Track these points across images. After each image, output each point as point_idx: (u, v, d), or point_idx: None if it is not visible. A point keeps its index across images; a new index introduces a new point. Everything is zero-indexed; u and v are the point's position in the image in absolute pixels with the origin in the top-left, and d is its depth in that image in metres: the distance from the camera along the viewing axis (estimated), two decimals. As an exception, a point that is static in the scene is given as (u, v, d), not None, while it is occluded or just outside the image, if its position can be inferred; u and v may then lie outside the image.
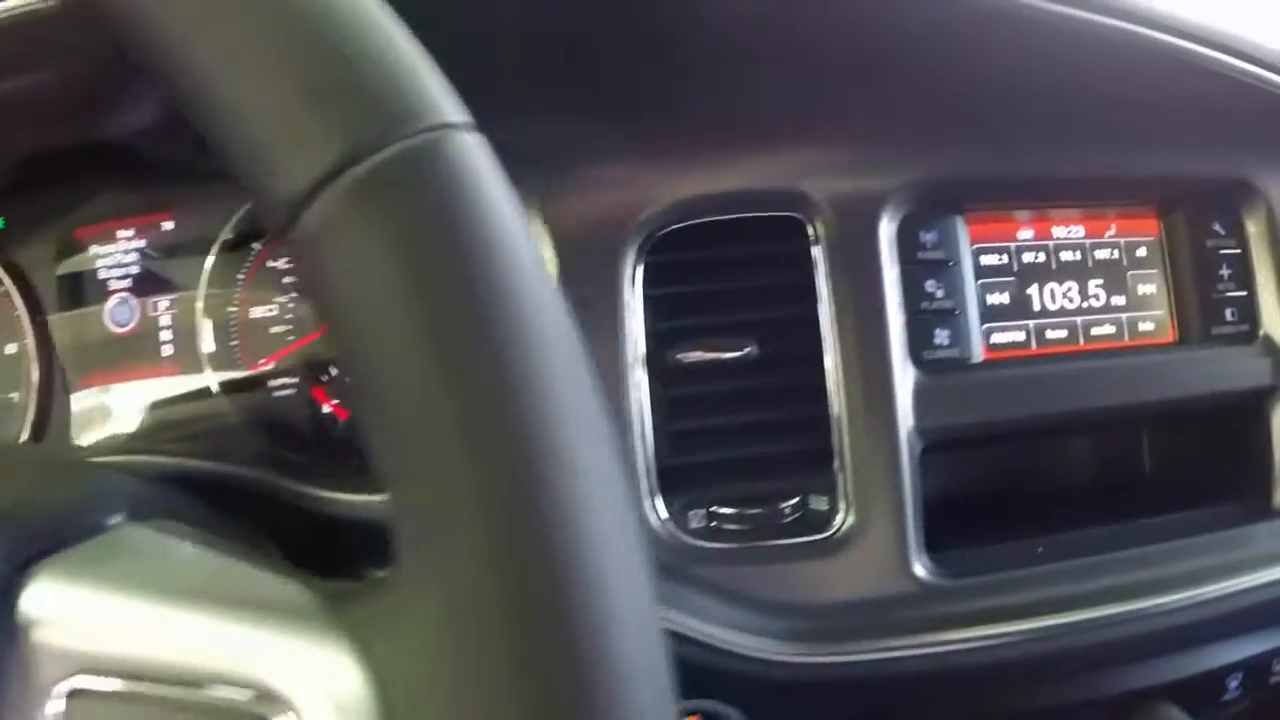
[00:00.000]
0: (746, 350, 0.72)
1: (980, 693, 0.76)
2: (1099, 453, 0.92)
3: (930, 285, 0.77)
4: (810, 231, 0.74)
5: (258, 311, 0.78)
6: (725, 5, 0.65)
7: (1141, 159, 0.82)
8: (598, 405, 0.28)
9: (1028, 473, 0.90)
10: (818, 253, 0.74)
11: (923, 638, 0.72)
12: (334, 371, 0.77)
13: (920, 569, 0.73)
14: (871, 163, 0.75)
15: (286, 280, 0.79)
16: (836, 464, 0.73)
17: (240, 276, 0.78)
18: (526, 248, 0.28)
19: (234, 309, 0.78)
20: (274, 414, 0.77)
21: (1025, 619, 0.73)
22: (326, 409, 0.77)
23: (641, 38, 0.67)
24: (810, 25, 0.68)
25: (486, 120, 0.29)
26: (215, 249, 0.78)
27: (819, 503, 0.74)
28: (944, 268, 0.78)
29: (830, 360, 0.73)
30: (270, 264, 0.79)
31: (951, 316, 0.77)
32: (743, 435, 0.73)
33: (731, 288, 0.74)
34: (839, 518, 0.73)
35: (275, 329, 0.78)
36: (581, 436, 0.26)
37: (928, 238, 0.77)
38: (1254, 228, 0.86)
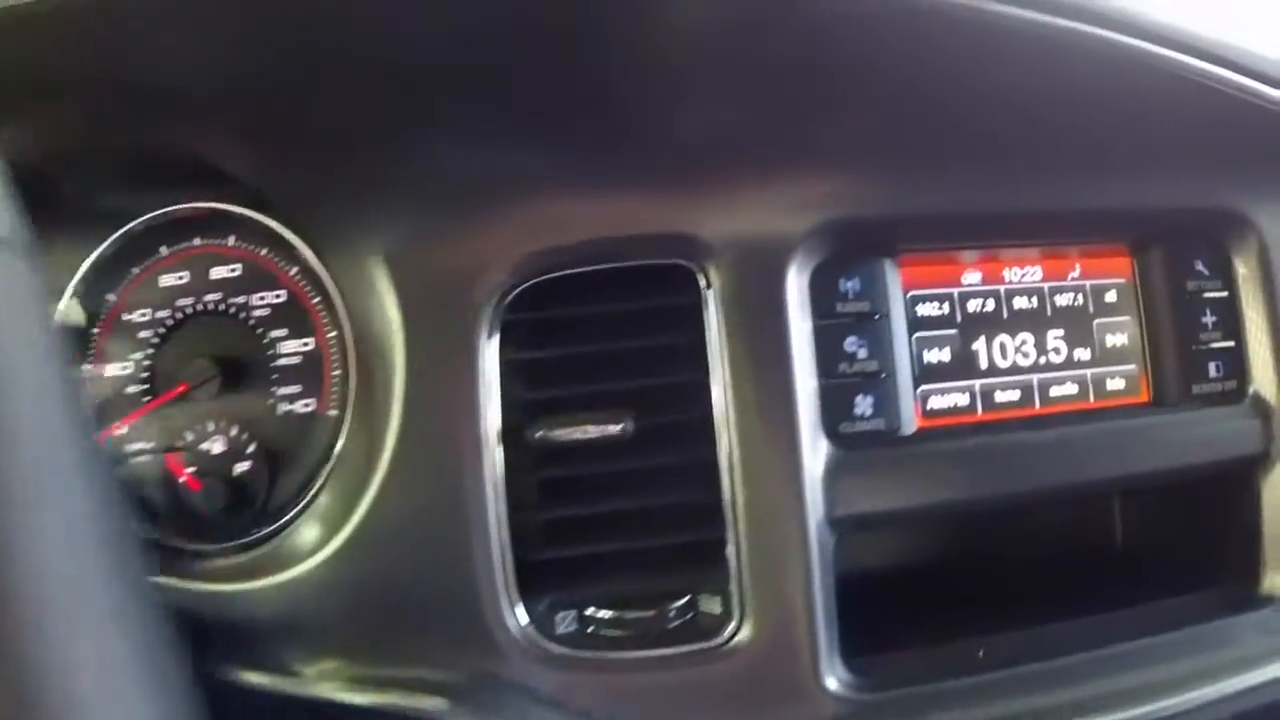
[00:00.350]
0: (624, 425, 0.60)
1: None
2: (1060, 527, 0.80)
3: (851, 344, 0.65)
4: (702, 282, 0.62)
5: (112, 369, 0.68)
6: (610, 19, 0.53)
7: (1111, 187, 0.69)
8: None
9: (970, 552, 0.78)
10: (710, 307, 0.62)
11: (836, 767, 0.61)
12: (190, 437, 0.67)
13: (833, 682, 0.61)
14: (778, 199, 0.62)
15: (143, 335, 0.68)
16: (732, 559, 0.61)
17: (95, 331, 0.69)
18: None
19: (88, 365, 0.68)
20: (128, 483, 0.67)
21: (960, 742, 0.61)
22: (181, 479, 0.66)
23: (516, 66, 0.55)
24: (705, 34, 0.56)
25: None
26: (66, 298, 0.68)
27: (711, 604, 0.63)
28: (869, 322, 0.65)
29: (724, 436, 0.61)
30: (126, 317, 0.69)
31: (877, 380, 0.65)
32: (620, 525, 0.61)
33: (607, 351, 0.62)
34: (734, 622, 0.61)
35: (130, 389, 0.68)
36: None
37: (849, 286, 0.65)
38: (1243, 267, 0.73)
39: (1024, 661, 0.65)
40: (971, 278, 0.69)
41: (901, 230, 0.66)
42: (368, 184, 0.61)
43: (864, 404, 0.65)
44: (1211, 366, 0.72)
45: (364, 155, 0.60)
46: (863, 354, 0.65)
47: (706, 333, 0.62)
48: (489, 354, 0.61)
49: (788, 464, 0.61)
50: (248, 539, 0.65)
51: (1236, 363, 0.73)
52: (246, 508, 0.67)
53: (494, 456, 0.60)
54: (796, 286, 0.63)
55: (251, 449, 0.67)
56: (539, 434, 0.61)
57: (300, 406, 0.68)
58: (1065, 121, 0.64)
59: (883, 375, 0.65)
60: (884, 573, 0.74)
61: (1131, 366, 0.72)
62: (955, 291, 0.69)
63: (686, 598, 0.63)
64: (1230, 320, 0.73)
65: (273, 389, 0.68)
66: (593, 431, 0.61)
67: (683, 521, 0.62)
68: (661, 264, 0.62)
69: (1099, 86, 0.62)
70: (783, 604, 0.61)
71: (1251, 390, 0.73)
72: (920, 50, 0.57)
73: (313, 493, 0.65)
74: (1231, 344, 0.73)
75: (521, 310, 0.62)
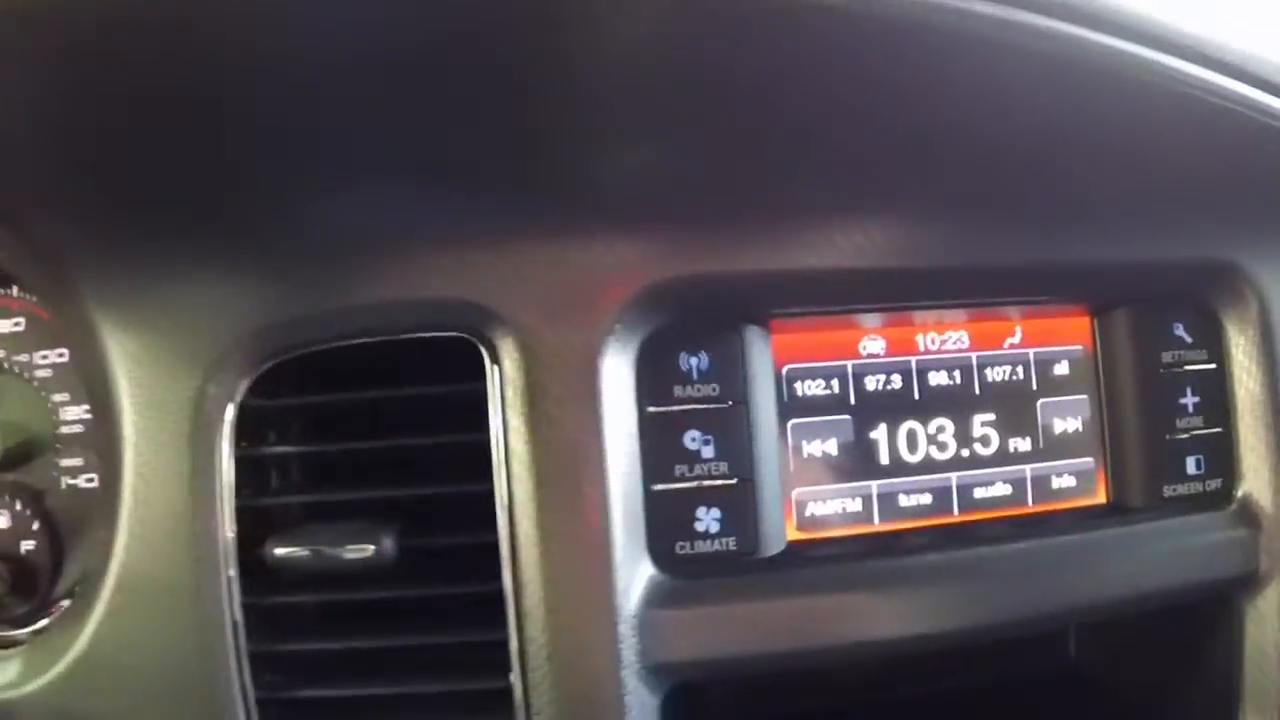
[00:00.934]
0: (381, 545, 0.46)
1: None
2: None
3: (693, 439, 0.49)
4: (486, 363, 0.47)
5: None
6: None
7: (1069, 231, 0.52)
8: None
9: (882, 686, 0.62)
10: (495, 395, 0.47)
11: None
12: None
13: None
14: (592, 253, 0.47)
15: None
16: (519, 709, 0.46)
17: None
18: None
19: None
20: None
21: None
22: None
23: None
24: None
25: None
26: None
27: None
28: (718, 410, 0.50)
29: (509, 562, 0.46)
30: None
31: (727, 489, 0.49)
32: (376, 668, 0.48)
33: (365, 449, 0.47)
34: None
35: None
36: None
37: (693, 363, 0.50)
38: (1237, 335, 0.56)
39: None
40: (872, 346, 0.53)
41: (772, 290, 0.50)
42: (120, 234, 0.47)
43: (708, 518, 0.49)
44: (1190, 462, 0.56)
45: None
46: (708, 452, 0.49)
47: (490, 428, 0.46)
48: (222, 449, 0.46)
49: (594, 599, 0.46)
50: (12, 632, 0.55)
51: (1222, 457, 0.56)
52: (32, 592, 0.56)
53: (229, 574, 0.46)
54: (616, 365, 0.48)
55: (35, 526, 0.56)
56: (276, 551, 0.47)
57: (83, 481, 0.57)
58: (1008, 140, 0.48)
59: (735, 480, 0.49)
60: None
61: (1086, 460, 0.56)
62: (849, 365, 0.53)
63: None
64: (1217, 402, 0.56)
65: (57, 459, 0.57)
66: (342, 551, 0.46)
67: (457, 667, 0.48)
68: (440, 339, 0.47)
69: (1048, 101, 0.45)
70: None
71: (1240, 493, 0.56)
72: (794, 54, 0.41)
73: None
74: (1217, 431, 0.56)
75: (262, 396, 0.47)
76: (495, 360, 0.47)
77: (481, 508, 0.47)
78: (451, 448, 0.48)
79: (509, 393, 0.46)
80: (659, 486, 0.49)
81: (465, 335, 0.47)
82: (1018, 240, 0.52)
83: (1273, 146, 0.48)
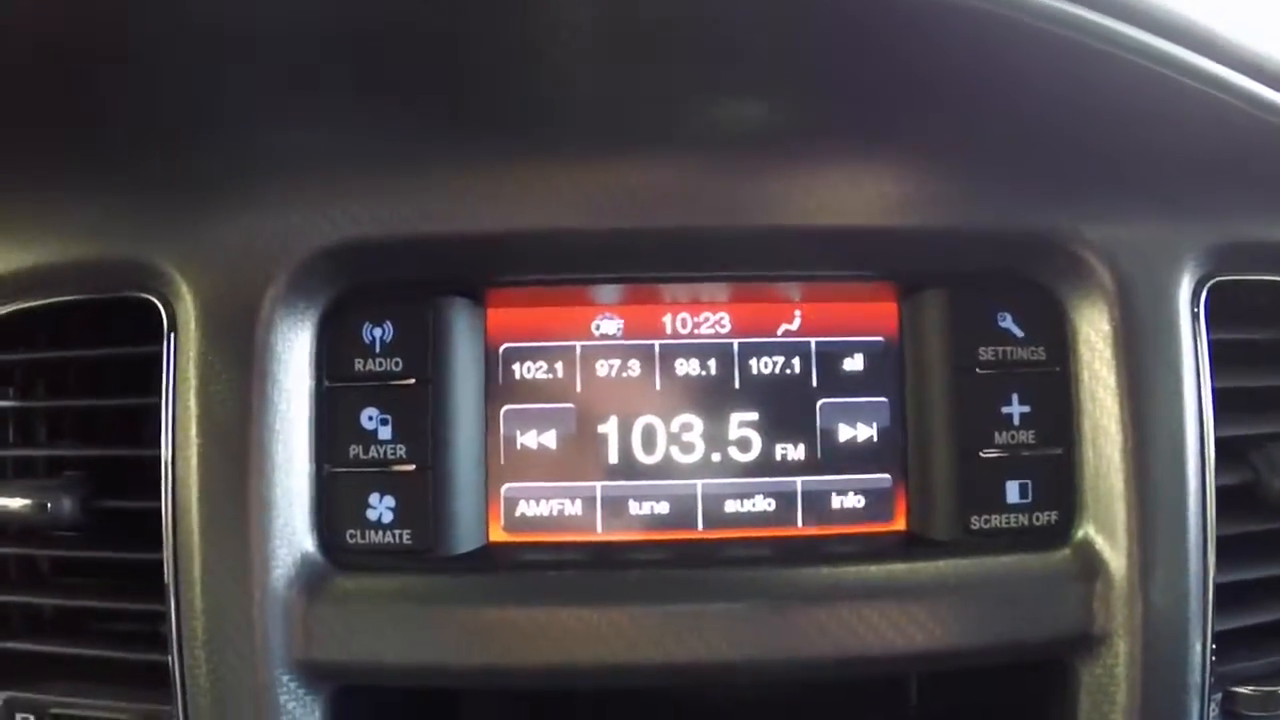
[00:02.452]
0: (59, 503, 0.43)
1: None
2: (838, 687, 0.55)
3: (369, 418, 0.44)
4: (165, 327, 0.43)
5: None
6: None
7: (859, 188, 0.44)
8: None
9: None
10: (169, 360, 0.43)
11: None
12: None
13: None
14: (268, 209, 0.43)
15: None
16: (177, 693, 0.43)
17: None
18: None
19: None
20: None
21: None
22: None
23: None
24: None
25: None
26: None
27: None
28: (400, 388, 0.44)
29: (170, 535, 0.42)
30: None
31: (404, 476, 0.44)
32: (65, 626, 0.45)
33: (41, 408, 0.45)
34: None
35: None
36: None
37: (376, 336, 0.44)
38: (1085, 326, 0.45)
39: None
40: (608, 326, 0.46)
41: (484, 255, 0.44)
42: None
43: (381, 506, 0.44)
44: (1011, 488, 0.45)
45: None
46: (385, 434, 0.44)
47: (163, 394, 0.43)
48: None
49: (245, 584, 0.42)
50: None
51: (1059, 485, 0.45)
52: None
53: None
54: (292, 334, 0.43)
55: None
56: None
57: None
58: (799, 69, 0.40)
59: (413, 467, 0.44)
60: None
61: (879, 478, 0.46)
62: (577, 346, 0.46)
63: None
64: (1055, 413, 0.45)
65: None
66: (29, 508, 0.44)
67: (132, 637, 0.44)
68: (119, 299, 0.44)
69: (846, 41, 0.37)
70: None
71: (1079, 534, 0.45)
72: None
73: None
74: (1054, 452, 0.45)
75: None
76: (173, 324, 0.43)
77: (147, 477, 0.44)
78: (134, 410, 0.45)
79: (182, 358, 0.43)
80: (332, 468, 0.44)
81: (146, 297, 0.44)
82: (799, 196, 0.43)
83: (1119, 76, 0.38)
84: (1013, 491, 0.45)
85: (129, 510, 0.45)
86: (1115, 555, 0.44)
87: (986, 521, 0.45)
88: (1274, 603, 0.48)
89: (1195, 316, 0.45)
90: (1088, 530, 0.44)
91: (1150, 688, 0.44)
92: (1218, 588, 0.45)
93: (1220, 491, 0.46)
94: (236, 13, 0.36)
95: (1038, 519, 0.45)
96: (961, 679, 0.51)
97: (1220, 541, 0.45)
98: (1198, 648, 0.44)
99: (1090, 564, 0.44)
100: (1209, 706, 0.45)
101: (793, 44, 0.39)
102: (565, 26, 0.38)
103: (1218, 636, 0.45)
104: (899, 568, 0.44)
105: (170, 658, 0.42)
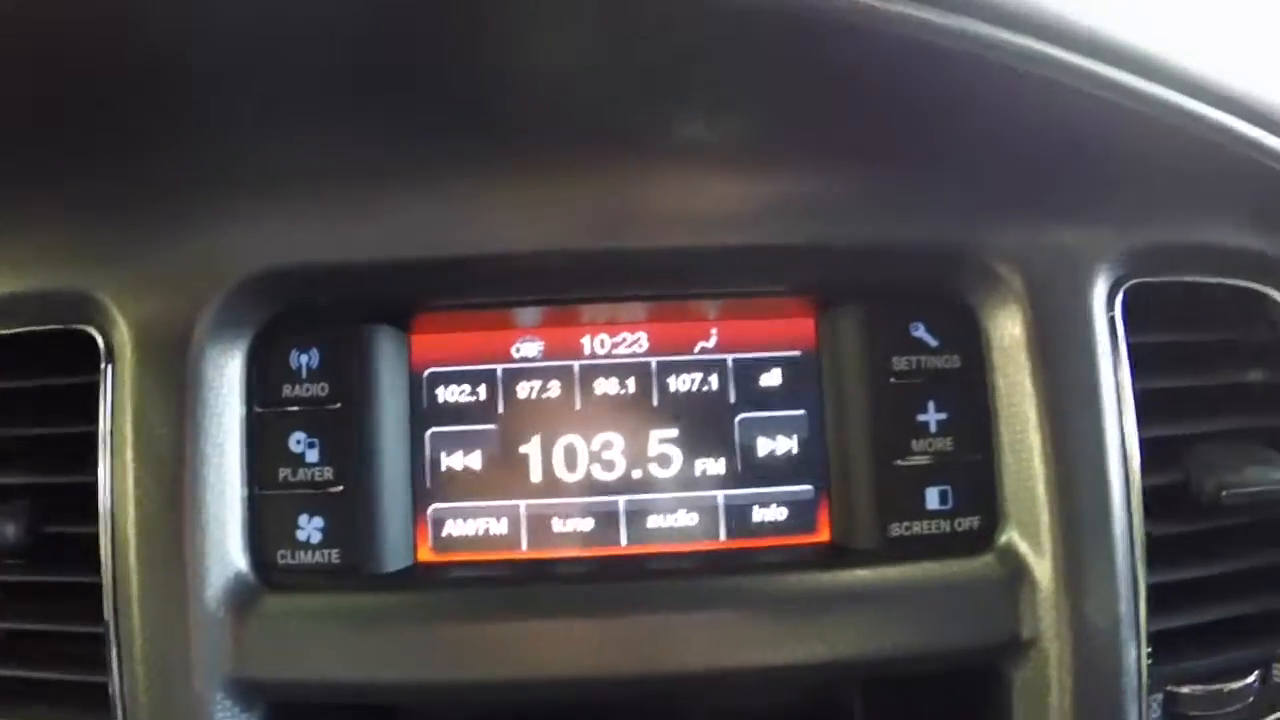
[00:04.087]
0: (7, 530, 0.45)
1: None
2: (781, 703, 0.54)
3: (298, 442, 0.46)
4: (101, 356, 0.45)
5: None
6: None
7: (770, 205, 0.45)
8: None
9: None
10: (105, 390, 0.45)
11: None
12: None
13: None
14: (196, 245, 0.45)
15: None
16: (115, 709, 0.44)
17: None
18: None
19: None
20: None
21: None
22: None
23: None
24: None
25: None
26: None
27: None
28: (325, 411, 0.46)
29: (108, 556, 0.44)
30: None
31: (332, 497, 0.45)
32: (8, 649, 0.47)
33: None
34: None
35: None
36: None
37: (302, 361, 0.46)
38: (997, 335, 0.45)
39: None
40: (528, 348, 0.47)
41: (406, 282, 0.46)
42: None
43: (309, 526, 0.45)
44: (931, 494, 0.46)
45: None
46: (313, 456, 0.45)
47: (100, 422, 0.45)
48: None
49: (181, 605, 0.43)
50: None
51: (979, 490, 0.45)
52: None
53: None
54: (222, 360, 0.45)
55: None
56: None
57: None
58: (714, 90, 0.42)
59: (340, 488, 0.45)
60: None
61: (801, 489, 0.47)
62: (498, 369, 0.47)
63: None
64: (972, 421, 0.46)
65: None
66: None
67: (69, 658, 0.46)
68: (58, 331, 0.47)
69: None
70: None
71: (1002, 538, 0.45)
72: None
73: None
74: (973, 458, 0.45)
75: None
76: (110, 354, 0.45)
77: (84, 504, 0.46)
78: (77, 437, 0.47)
79: (119, 387, 0.45)
80: (263, 490, 0.45)
81: (83, 329, 0.46)
82: (714, 214, 0.45)
83: (1026, 87, 0.39)
84: (933, 498, 0.45)
85: (72, 536, 0.46)
86: (1039, 559, 0.44)
87: (907, 529, 0.45)
88: (1213, 603, 0.47)
89: (1111, 319, 0.45)
90: (1011, 535, 0.44)
91: (1084, 691, 0.44)
92: (1154, 588, 0.44)
93: (1152, 492, 0.45)
94: (169, 43, 0.38)
95: (959, 525, 0.45)
96: (902, 695, 0.51)
97: (1154, 542, 0.45)
98: (1132, 649, 0.44)
99: (1014, 569, 0.44)
100: (1147, 708, 0.45)
101: (709, 66, 0.41)
102: (485, 52, 0.40)
103: (1156, 637, 0.45)
104: (822, 576, 0.44)
105: (110, 678, 0.44)
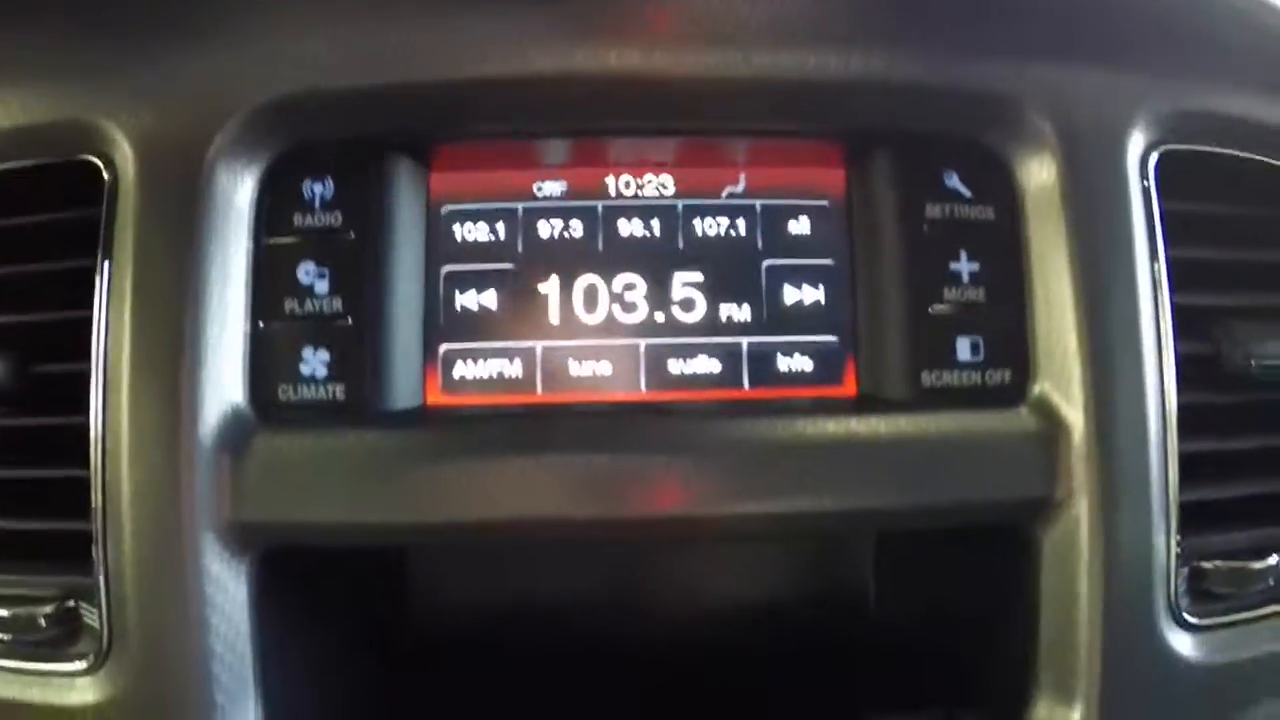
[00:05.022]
0: None
1: None
2: (786, 582, 0.53)
3: (307, 273, 0.43)
4: (105, 187, 0.43)
5: None
6: None
7: (809, 41, 0.43)
8: None
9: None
10: (106, 221, 0.43)
11: None
12: None
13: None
14: (210, 62, 0.43)
15: None
16: (99, 565, 0.42)
17: None
18: None
19: None
20: None
21: None
22: None
23: None
24: None
25: None
26: None
27: (91, 615, 0.43)
28: (337, 242, 0.44)
29: (99, 392, 0.41)
30: None
31: (340, 330, 0.43)
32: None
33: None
34: (102, 650, 0.42)
35: None
36: None
37: (316, 191, 0.44)
38: (1032, 188, 0.44)
39: None
40: (550, 188, 0.46)
41: (425, 109, 0.44)
42: None
43: (314, 360, 0.43)
44: (963, 344, 0.44)
45: None
46: (322, 288, 0.43)
47: (100, 255, 0.43)
48: None
49: (173, 443, 0.41)
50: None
51: (1012, 342, 0.44)
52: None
53: None
54: (232, 190, 0.43)
55: None
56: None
57: None
58: None
59: (349, 321, 0.43)
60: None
61: (827, 339, 0.45)
62: (519, 207, 0.46)
63: (56, 603, 0.43)
64: (1005, 273, 0.44)
65: None
66: None
67: (54, 503, 0.43)
68: (59, 163, 0.44)
69: None
70: (155, 638, 0.41)
71: (1036, 390, 0.43)
72: None
73: None
74: (1006, 310, 0.44)
75: None
76: (115, 184, 0.43)
77: (78, 342, 0.43)
78: (72, 277, 0.44)
79: (121, 218, 0.42)
80: (266, 324, 0.43)
81: (88, 159, 0.44)
82: (748, 48, 0.43)
83: None
84: (964, 349, 0.44)
85: (62, 378, 0.44)
86: (1073, 412, 0.42)
87: (938, 378, 0.44)
88: (1242, 478, 0.46)
89: (1145, 181, 0.44)
90: (1043, 388, 0.43)
91: (1114, 557, 0.42)
92: (1184, 457, 0.43)
93: (1183, 360, 0.44)
94: None
95: (991, 377, 0.44)
96: (919, 565, 0.49)
97: (1184, 409, 0.44)
98: (1162, 514, 0.43)
99: (1047, 422, 0.43)
100: (1176, 580, 0.43)
101: None
102: None
103: (1185, 508, 0.43)
104: (851, 422, 0.43)
105: (93, 524, 0.41)
